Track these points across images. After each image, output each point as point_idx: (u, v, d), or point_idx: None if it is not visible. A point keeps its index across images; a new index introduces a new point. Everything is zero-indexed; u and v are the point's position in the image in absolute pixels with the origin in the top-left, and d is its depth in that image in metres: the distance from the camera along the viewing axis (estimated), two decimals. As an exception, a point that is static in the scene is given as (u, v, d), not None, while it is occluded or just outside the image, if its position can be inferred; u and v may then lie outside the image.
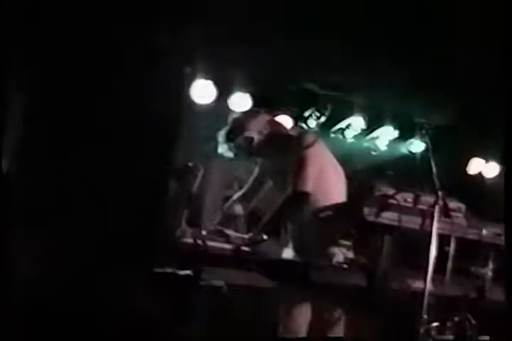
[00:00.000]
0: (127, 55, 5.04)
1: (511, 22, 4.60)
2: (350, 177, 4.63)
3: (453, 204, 3.99)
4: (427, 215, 3.77)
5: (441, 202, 3.76)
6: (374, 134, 7.58)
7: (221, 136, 4.69)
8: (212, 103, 6.45)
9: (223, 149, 4.70)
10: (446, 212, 3.78)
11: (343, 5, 5.35)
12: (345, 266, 4.07)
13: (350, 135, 7.34)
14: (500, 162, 8.10)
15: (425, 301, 3.68)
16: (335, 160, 4.65)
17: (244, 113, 4.84)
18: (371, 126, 7.47)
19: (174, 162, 5.24)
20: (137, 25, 5.12)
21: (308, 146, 4.44)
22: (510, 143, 4.79)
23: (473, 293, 4.26)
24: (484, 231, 4.15)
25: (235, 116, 4.81)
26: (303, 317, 4.45)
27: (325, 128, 7.15)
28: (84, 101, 4.68)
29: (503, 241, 4.33)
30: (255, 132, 4.58)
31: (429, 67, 6.02)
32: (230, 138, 4.63)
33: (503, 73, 5.02)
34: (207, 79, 6.37)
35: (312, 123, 6.96)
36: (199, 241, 4.04)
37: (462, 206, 4.09)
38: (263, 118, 4.70)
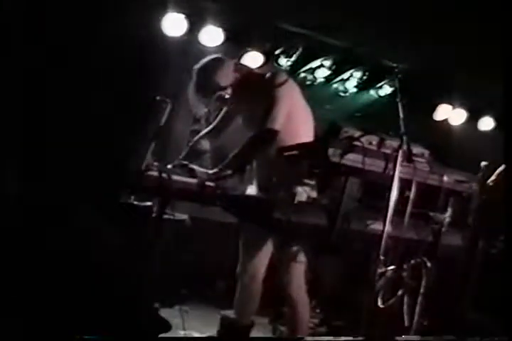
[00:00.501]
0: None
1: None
2: (317, 118, 4.63)
3: (417, 149, 4.01)
4: (390, 159, 3.80)
5: (405, 147, 3.79)
6: (344, 76, 7.59)
7: (191, 93, 4.55)
8: (183, 36, 6.37)
9: (195, 106, 4.61)
10: (409, 156, 3.81)
11: None
12: (307, 205, 4.10)
13: (320, 75, 7.34)
14: (468, 110, 8.16)
15: (383, 243, 3.74)
16: (304, 100, 4.64)
17: (208, 63, 4.61)
18: (341, 68, 7.47)
19: (143, 94, 5.20)
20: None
21: (279, 85, 4.41)
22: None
23: (430, 237, 4.33)
24: (445, 178, 4.20)
25: (199, 67, 4.57)
26: (263, 254, 4.52)
27: (296, 67, 7.13)
28: (53, 32, 4.60)
29: (463, 188, 4.40)
30: (226, 85, 4.48)
31: (402, 11, 6.00)
32: (201, 96, 4.52)
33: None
34: (178, 12, 6.28)
35: (283, 61, 6.93)
36: (164, 175, 4.04)
37: (426, 152, 4.12)
38: (230, 66, 4.56)
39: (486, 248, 6.70)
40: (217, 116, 4.80)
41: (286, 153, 3.91)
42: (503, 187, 6.22)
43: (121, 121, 4.99)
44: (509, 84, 5.15)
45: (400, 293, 4.45)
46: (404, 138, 3.85)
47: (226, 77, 4.49)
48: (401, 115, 3.96)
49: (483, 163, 6.16)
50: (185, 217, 5.95)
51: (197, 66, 4.56)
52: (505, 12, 5.55)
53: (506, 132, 5.18)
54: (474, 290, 6.42)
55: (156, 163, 4.15)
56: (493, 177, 6.26)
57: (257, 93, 4.47)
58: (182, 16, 6.32)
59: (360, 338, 3.74)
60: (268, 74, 4.54)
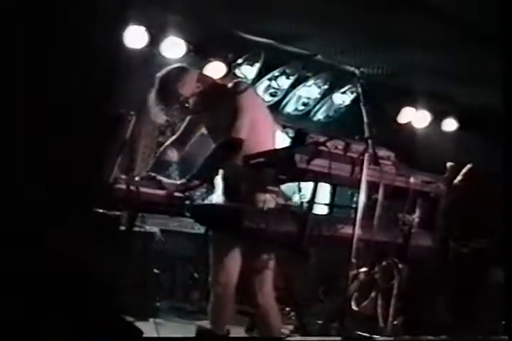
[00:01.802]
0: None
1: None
2: (283, 125, 4.66)
3: (382, 152, 4.04)
4: (356, 163, 3.82)
5: (370, 150, 3.82)
6: (308, 83, 7.65)
7: (151, 103, 4.53)
8: (144, 49, 6.38)
9: (156, 116, 4.59)
10: (375, 159, 3.84)
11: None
12: (276, 211, 4.12)
13: (283, 83, 7.38)
14: (431, 112, 8.25)
15: (354, 246, 3.76)
16: (267, 109, 4.67)
17: (171, 71, 4.61)
18: (304, 75, 7.53)
19: (107, 108, 5.17)
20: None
21: (242, 94, 4.43)
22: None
23: (400, 238, 4.36)
24: (412, 179, 4.23)
25: (161, 75, 4.57)
26: (234, 262, 4.51)
27: (258, 76, 7.17)
28: (10, 45, 4.56)
29: (430, 189, 4.44)
30: (189, 95, 4.47)
31: (364, 17, 6.04)
32: (162, 104, 4.50)
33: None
34: (140, 24, 6.28)
35: (245, 70, 6.96)
36: (132, 188, 4.03)
37: (391, 154, 4.14)
38: (192, 76, 4.56)
39: (456, 247, 6.78)
40: (181, 125, 4.80)
41: (252, 161, 3.92)
42: (470, 187, 6.31)
43: (86, 136, 4.95)
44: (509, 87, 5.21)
45: (373, 294, 4.48)
46: (370, 141, 3.87)
47: (188, 86, 4.49)
48: (365, 119, 3.99)
49: (449, 164, 6.24)
50: (155, 229, 5.94)
51: (159, 74, 4.56)
52: (467, 13, 5.63)
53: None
54: (447, 290, 6.49)
55: (123, 176, 4.14)
56: (459, 177, 6.33)
57: (220, 103, 4.48)
58: (143, 29, 6.32)
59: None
60: (230, 84, 4.55)
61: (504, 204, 4.36)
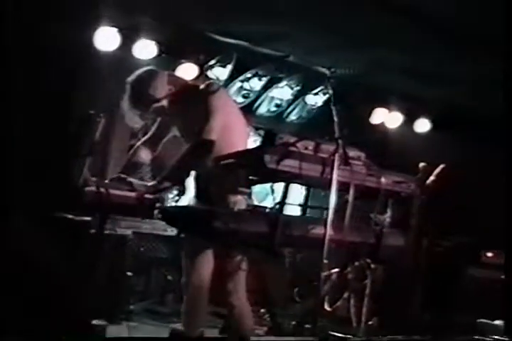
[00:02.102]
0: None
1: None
2: (255, 126, 4.66)
3: (353, 152, 4.04)
4: (327, 163, 3.83)
5: (340, 151, 3.82)
6: (280, 84, 7.65)
7: (125, 105, 4.48)
8: (116, 50, 6.34)
9: (130, 121, 4.56)
10: (345, 160, 3.84)
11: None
12: (247, 212, 4.11)
13: (256, 84, 7.38)
14: (404, 114, 8.28)
15: (325, 247, 3.75)
16: (238, 110, 4.66)
17: (142, 75, 4.57)
18: (276, 76, 7.54)
19: (77, 109, 5.15)
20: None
21: (212, 94, 4.42)
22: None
23: (372, 238, 4.37)
24: (383, 179, 4.23)
25: (132, 79, 4.52)
26: (207, 264, 4.50)
27: (230, 77, 7.16)
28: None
29: (401, 189, 4.45)
30: (161, 98, 4.44)
31: (335, 18, 6.05)
32: (137, 108, 4.46)
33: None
34: (111, 26, 6.24)
35: (217, 72, 6.95)
36: (102, 190, 4.01)
37: (362, 154, 4.15)
38: (163, 78, 4.53)
39: (430, 247, 6.82)
40: (152, 125, 4.78)
41: (222, 162, 3.91)
42: (443, 187, 6.34)
43: (56, 137, 4.93)
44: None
45: (346, 295, 4.49)
46: (340, 141, 3.88)
47: (160, 89, 4.47)
48: (336, 119, 4.00)
49: (421, 164, 6.27)
50: (128, 231, 5.89)
51: (130, 79, 4.53)
52: (442, 13, 5.65)
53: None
54: (421, 289, 6.51)
55: (93, 178, 4.12)
56: (432, 178, 6.36)
57: (192, 104, 4.47)
58: (115, 30, 6.29)
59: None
60: (202, 86, 4.54)
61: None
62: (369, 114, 8.14)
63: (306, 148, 3.85)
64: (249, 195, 4.30)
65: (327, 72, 4.52)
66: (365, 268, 4.54)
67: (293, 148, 3.75)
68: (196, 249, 4.43)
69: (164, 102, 4.48)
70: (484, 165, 7.50)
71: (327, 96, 7.56)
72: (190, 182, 4.49)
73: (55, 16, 5.41)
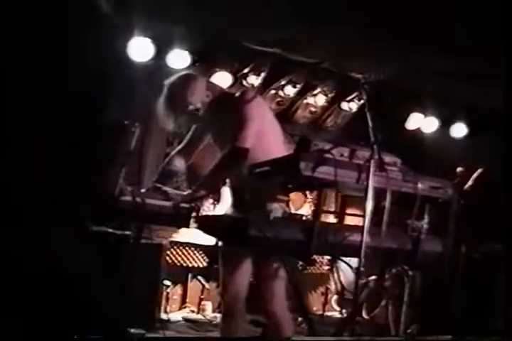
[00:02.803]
0: (64, 10, 4.94)
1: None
2: (288, 133, 4.64)
3: (388, 158, 4.00)
4: (362, 169, 3.80)
5: (376, 157, 3.79)
6: (314, 91, 7.64)
7: (160, 108, 4.50)
8: (150, 60, 6.39)
9: (164, 122, 4.56)
10: (381, 166, 3.81)
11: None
12: (283, 220, 4.10)
13: (290, 91, 7.38)
14: (438, 117, 8.23)
15: (362, 254, 3.72)
16: (273, 117, 4.65)
17: (181, 78, 4.58)
18: (310, 83, 7.53)
19: (111, 120, 5.18)
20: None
21: (248, 103, 4.41)
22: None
23: (409, 245, 4.33)
24: (420, 185, 4.19)
25: (170, 82, 4.55)
26: (244, 272, 4.49)
27: (265, 85, 7.17)
28: (18, 56, 4.58)
29: (438, 194, 4.40)
30: (198, 102, 4.44)
31: (368, 24, 6.03)
32: (172, 111, 4.46)
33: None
34: (145, 36, 6.30)
35: (252, 79, 6.96)
36: (138, 199, 4.02)
37: (398, 160, 4.11)
38: (201, 85, 4.53)
39: (468, 253, 6.74)
40: (187, 133, 4.79)
41: (257, 170, 3.90)
42: (481, 192, 6.27)
43: (92, 147, 4.96)
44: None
45: (383, 302, 4.44)
46: (375, 147, 3.84)
47: (198, 93, 4.46)
48: (370, 125, 3.96)
49: (458, 169, 6.20)
50: (165, 241, 5.91)
51: (168, 81, 4.54)
52: (475, 19, 5.61)
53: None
54: (460, 295, 6.44)
55: (129, 188, 4.13)
56: (470, 183, 6.30)
57: (227, 112, 4.46)
58: (148, 40, 6.34)
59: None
60: (238, 94, 4.54)
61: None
62: (405, 119, 8.11)
63: (342, 155, 3.82)
64: (286, 202, 4.29)
65: (361, 77, 4.47)
66: (402, 275, 4.48)
67: (328, 155, 3.72)
68: (233, 257, 4.43)
69: (200, 107, 4.47)
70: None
71: (362, 102, 7.54)
72: (226, 191, 4.50)
73: (89, 27, 5.45)
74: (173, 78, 4.56)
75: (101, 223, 4.57)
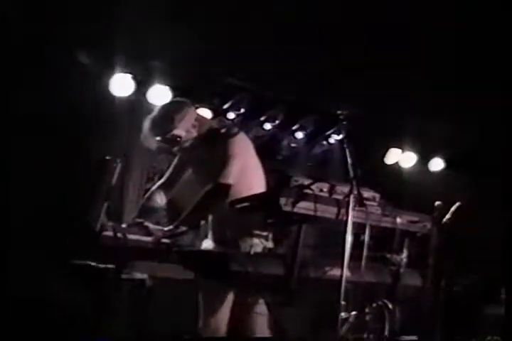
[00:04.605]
0: (43, 46, 4.99)
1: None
2: (268, 168, 4.68)
3: (367, 193, 4.06)
4: (342, 204, 3.84)
5: (355, 192, 3.84)
6: (294, 127, 7.70)
7: (146, 125, 4.53)
8: (131, 96, 6.43)
9: (146, 139, 4.60)
10: (360, 201, 3.86)
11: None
12: (264, 255, 4.12)
13: (270, 127, 7.44)
14: (416, 152, 8.31)
15: (342, 288, 3.75)
16: (255, 153, 4.70)
17: (173, 104, 4.73)
18: (291, 118, 7.60)
19: (93, 155, 5.20)
20: (54, 17, 5.06)
21: (232, 139, 4.46)
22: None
23: (389, 279, 4.36)
24: (398, 219, 4.24)
25: (163, 105, 4.68)
26: (224, 306, 4.49)
27: (244, 120, 7.23)
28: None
29: (417, 228, 4.45)
30: (184, 130, 4.49)
31: (347, 59, 6.13)
32: (156, 131, 4.50)
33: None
34: (126, 72, 6.35)
35: (231, 115, 7.02)
36: (119, 235, 4.03)
37: (376, 195, 4.16)
38: (192, 114, 4.58)
39: (448, 286, 6.76)
40: (167, 169, 4.82)
41: (238, 206, 3.93)
42: (459, 225, 6.32)
43: (72, 183, 4.97)
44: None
45: (365, 336, 4.44)
46: (354, 182, 3.89)
47: (186, 120, 4.51)
48: (349, 160, 4.01)
49: (436, 203, 6.25)
50: (145, 276, 5.88)
51: (162, 104, 4.62)
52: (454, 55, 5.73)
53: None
54: (440, 328, 6.44)
55: (110, 223, 4.14)
56: (448, 216, 6.34)
57: (211, 147, 4.51)
58: (129, 76, 6.39)
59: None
60: (223, 130, 4.58)
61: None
62: (383, 154, 8.18)
63: (321, 190, 3.87)
64: (266, 237, 4.32)
65: (340, 113, 4.53)
66: (383, 308, 4.50)
67: (308, 190, 3.77)
68: (213, 292, 4.43)
69: (185, 135, 4.51)
70: (498, 202, 7.49)
71: (340, 137, 7.61)
72: (208, 226, 4.52)
73: (70, 62, 5.50)
74: (167, 102, 4.62)
75: (83, 258, 4.56)
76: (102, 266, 4.32)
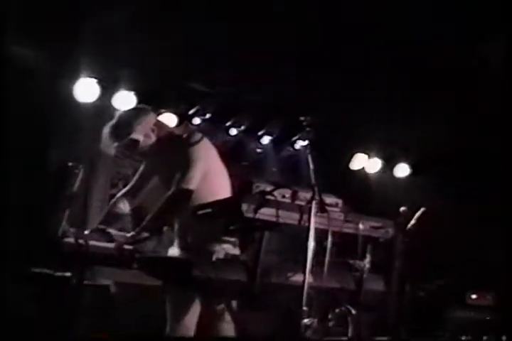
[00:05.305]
0: (3, 48, 4.94)
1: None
2: (231, 174, 4.69)
3: (330, 199, 4.07)
4: (304, 210, 3.85)
5: (317, 198, 3.85)
6: (259, 132, 7.71)
7: (105, 132, 4.54)
8: (96, 101, 6.40)
9: (106, 146, 4.60)
10: (322, 207, 3.87)
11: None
12: (226, 261, 4.12)
13: (235, 132, 7.45)
14: (382, 158, 8.36)
15: (305, 294, 3.76)
16: (219, 159, 4.70)
17: (132, 110, 4.73)
18: (257, 124, 7.61)
19: (55, 161, 5.17)
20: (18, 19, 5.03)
21: (194, 145, 4.46)
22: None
23: (351, 284, 4.38)
24: (361, 225, 4.26)
25: (122, 112, 4.68)
26: (190, 312, 4.47)
27: (210, 125, 7.23)
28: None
29: (379, 234, 4.48)
30: (141, 135, 4.50)
31: (313, 67, 6.16)
32: (114, 137, 4.50)
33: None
34: (91, 77, 6.32)
35: (197, 120, 7.02)
36: (81, 241, 4.01)
37: (339, 201, 4.18)
38: (150, 119, 4.60)
39: (413, 291, 6.81)
40: (133, 177, 4.81)
41: (200, 212, 3.93)
42: (424, 230, 6.37)
43: (34, 189, 4.94)
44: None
45: (327, 341, 4.45)
46: (316, 189, 3.90)
47: (144, 125, 4.51)
48: (311, 166, 4.02)
49: (402, 208, 6.30)
50: (109, 282, 5.85)
51: (121, 111, 4.62)
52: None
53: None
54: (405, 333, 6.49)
55: (72, 230, 4.12)
56: (412, 222, 6.39)
57: (174, 153, 4.50)
58: (94, 81, 6.36)
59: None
60: (185, 135, 4.57)
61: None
62: (349, 160, 8.22)
63: (284, 196, 3.88)
64: (234, 243, 4.32)
65: (303, 120, 4.55)
66: (346, 314, 4.52)
67: (270, 197, 3.78)
68: (177, 298, 4.42)
69: (143, 141, 4.51)
70: (464, 207, 7.57)
71: (305, 143, 7.63)
72: (171, 232, 4.51)
73: (33, 68, 5.47)
74: (127, 108, 4.63)
75: (43, 265, 4.53)
76: (58, 273, 4.30)
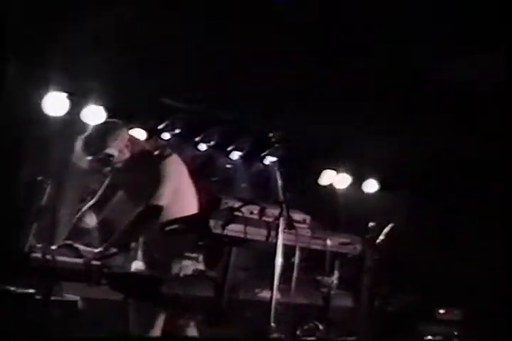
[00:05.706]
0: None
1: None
2: (200, 190, 4.70)
3: (298, 215, 4.10)
4: (272, 227, 3.87)
5: (285, 214, 3.87)
6: (229, 147, 7.72)
7: (79, 144, 4.53)
8: (65, 115, 6.38)
9: (78, 159, 4.59)
10: (290, 223, 3.89)
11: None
12: (194, 278, 4.11)
13: (204, 148, 7.45)
14: (350, 173, 8.40)
15: (273, 310, 3.76)
16: (189, 175, 4.70)
17: (106, 124, 4.75)
18: (226, 140, 7.62)
19: (23, 175, 5.13)
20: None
21: (164, 161, 4.48)
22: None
23: (319, 300, 4.39)
24: (329, 242, 4.29)
25: (96, 125, 4.71)
26: (154, 328, 4.45)
27: (179, 140, 7.22)
28: None
29: (347, 250, 4.50)
30: (116, 150, 4.50)
31: (281, 83, 6.19)
32: (88, 150, 4.49)
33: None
34: (60, 91, 6.30)
35: (166, 136, 7.02)
36: (48, 256, 3.98)
37: (307, 217, 4.20)
38: (124, 135, 4.62)
39: (382, 306, 6.83)
40: (99, 189, 4.80)
41: (168, 228, 3.93)
42: (393, 246, 6.41)
43: (1, 203, 4.90)
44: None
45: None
46: (284, 205, 3.92)
47: (118, 140, 4.52)
48: (279, 183, 4.04)
49: (370, 224, 6.33)
50: (76, 298, 5.80)
51: (96, 124, 4.60)
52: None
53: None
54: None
55: (39, 245, 4.09)
56: (381, 237, 6.43)
57: (145, 169, 4.51)
58: (64, 95, 6.33)
59: None
60: (156, 152, 4.58)
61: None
62: (317, 176, 8.24)
63: (252, 213, 3.90)
64: (197, 259, 4.31)
65: (274, 135, 4.58)
66: (314, 330, 4.53)
67: (238, 213, 3.80)
68: (143, 314, 4.40)
69: (117, 155, 4.50)
70: (433, 223, 7.63)
71: (273, 159, 7.65)
72: (139, 248, 4.49)
73: (1, 81, 5.43)
74: (101, 122, 4.63)
75: (7, 281, 4.49)
76: (20, 290, 4.26)
